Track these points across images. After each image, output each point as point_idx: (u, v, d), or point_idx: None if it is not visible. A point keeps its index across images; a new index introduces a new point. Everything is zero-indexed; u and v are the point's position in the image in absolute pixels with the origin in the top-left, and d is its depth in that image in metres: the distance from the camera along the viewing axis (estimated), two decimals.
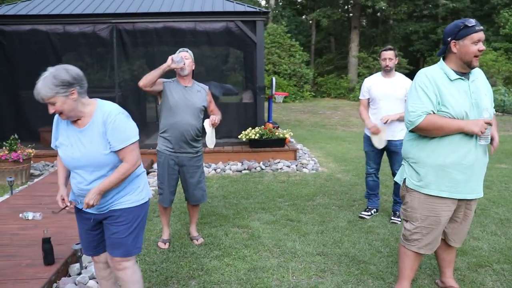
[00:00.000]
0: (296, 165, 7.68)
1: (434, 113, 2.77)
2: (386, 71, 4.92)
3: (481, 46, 2.75)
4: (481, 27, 2.76)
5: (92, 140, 2.54)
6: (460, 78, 2.82)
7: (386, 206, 5.62)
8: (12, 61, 8.18)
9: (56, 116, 2.65)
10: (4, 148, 6.79)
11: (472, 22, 2.73)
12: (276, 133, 7.95)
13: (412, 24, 27.03)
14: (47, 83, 2.41)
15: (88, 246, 2.87)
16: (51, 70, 2.45)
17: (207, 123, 4.17)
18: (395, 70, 4.98)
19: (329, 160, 8.50)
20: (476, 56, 2.76)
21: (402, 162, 3.15)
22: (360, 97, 5.20)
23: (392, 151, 4.92)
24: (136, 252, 2.79)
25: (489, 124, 2.75)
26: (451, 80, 2.80)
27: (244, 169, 7.51)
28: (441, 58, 2.94)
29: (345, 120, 15.39)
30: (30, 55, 8.26)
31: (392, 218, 5.09)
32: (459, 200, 2.94)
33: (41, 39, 8.04)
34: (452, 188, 2.87)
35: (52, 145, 2.75)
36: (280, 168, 7.57)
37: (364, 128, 5.22)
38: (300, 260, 4.02)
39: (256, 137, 7.83)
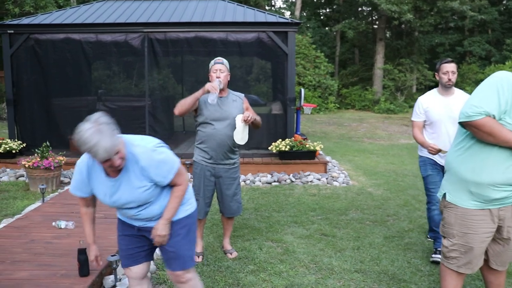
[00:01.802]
0: (327, 178, 7.54)
1: (494, 118, 2.61)
2: (447, 87, 4.25)
3: None
4: None
5: (131, 183, 2.47)
6: None
7: (422, 222, 5.46)
8: (45, 69, 8.28)
9: (84, 163, 2.55)
10: (36, 155, 6.83)
11: None
12: (307, 145, 7.84)
13: (438, 36, 26.73)
14: (109, 134, 2.24)
15: (125, 253, 2.78)
16: (98, 121, 2.26)
17: (239, 118, 4.00)
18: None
19: (359, 174, 8.35)
20: None
21: (444, 176, 3.01)
22: (413, 119, 4.43)
23: None
24: (193, 264, 2.81)
25: None
26: None
27: (274, 181, 7.41)
28: None
29: (372, 133, 15.19)
30: (63, 63, 8.37)
31: (433, 256, 4.34)
32: (500, 220, 2.80)
33: (74, 47, 8.13)
34: (488, 204, 2.75)
35: (74, 192, 2.64)
36: (311, 181, 7.45)
37: (418, 150, 4.55)
38: (338, 277, 3.90)
39: (286, 149, 7.74)
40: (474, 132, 2.64)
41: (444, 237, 2.96)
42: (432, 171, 4.35)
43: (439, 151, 3.95)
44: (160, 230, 2.59)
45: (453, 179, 2.87)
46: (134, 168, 2.45)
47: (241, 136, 4.03)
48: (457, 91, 4.35)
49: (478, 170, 2.70)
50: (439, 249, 4.30)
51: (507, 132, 2.57)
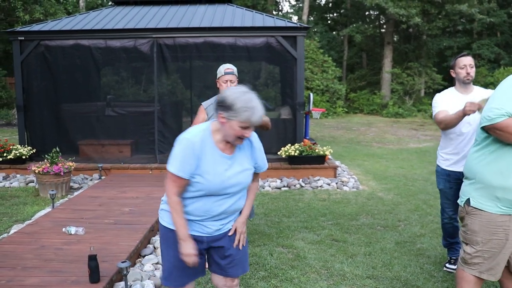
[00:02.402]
0: (336, 183, 7.50)
1: None
2: (466, 82, 3.81)
3: None
4: None
5: (242, 163, 2.48)
6: None
7: (434, 227, 5.40)
8: (55, 75, 8.32)
9: (198, 138, 2.38)
10: (45, 161, 6.85)
11: None
12: (316, 150, 7.80)
13: (446, 39, 26.59)
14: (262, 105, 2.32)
15: (184, 272, 2.53)
16: (251, 91, 2.32)
17: None
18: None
19: (369, 178, 8.29)
20: None
21: (464, 182, 2.92)
22: (437, 111, 3.82)
23: None
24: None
25: None
26: None
27: (284, 186, 7.38)
28: None
29: (380, 137, 15.11)
30: (72, 69, 8.41)
31: (446, 265, 4.20)
32: None
33: (84, 53, 8.18)
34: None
35: (181, 174, 2.35)
36: (320, 186, 7.41)
37: (437, 160, 4.13)
38: (350, 284, 3.85)
39: (296, 154, 7.70)
40: (499, 135, 2.57)
41: (466, 244, 2.88)
42: (444, 184, 4.02)
43: (479, 107, 3.22)
44: (241, 227, 2.59)
45: (477, 184, 2.79)
46: (247, 148, 2.51)
47: None
48: (476, 88, 3.92)
49: (506, 173, 2.63)
50: (453, 258, 4.15)
51: None
